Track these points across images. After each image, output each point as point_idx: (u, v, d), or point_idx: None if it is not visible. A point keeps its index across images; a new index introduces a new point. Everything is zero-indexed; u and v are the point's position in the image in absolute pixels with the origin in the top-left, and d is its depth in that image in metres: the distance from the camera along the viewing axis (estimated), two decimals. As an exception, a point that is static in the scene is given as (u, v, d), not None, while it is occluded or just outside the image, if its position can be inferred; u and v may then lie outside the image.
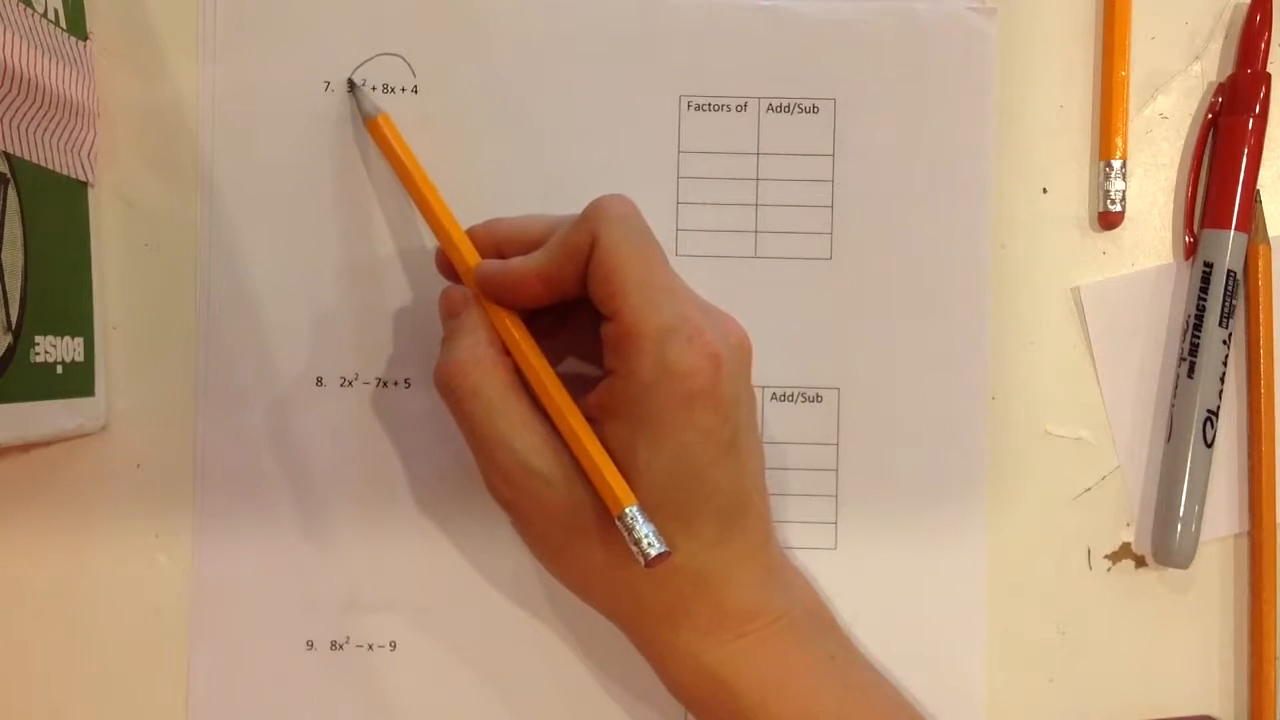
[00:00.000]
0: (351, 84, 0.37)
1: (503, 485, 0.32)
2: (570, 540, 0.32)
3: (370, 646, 0.38)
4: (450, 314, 0.34)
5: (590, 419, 0.31)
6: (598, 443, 0.31)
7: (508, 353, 0.33)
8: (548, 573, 0.34)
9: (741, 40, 0.38)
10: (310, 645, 0.38)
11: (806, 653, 0.32)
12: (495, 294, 0.33)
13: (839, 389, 0.38)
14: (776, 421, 0.38)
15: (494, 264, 0.33)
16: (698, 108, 0.38)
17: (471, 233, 0.34)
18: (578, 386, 0.32)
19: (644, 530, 0.29)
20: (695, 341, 0.30)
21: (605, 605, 0.33)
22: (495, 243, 0.34)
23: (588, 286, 0.31)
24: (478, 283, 0.33)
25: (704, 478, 0.30)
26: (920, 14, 0.38)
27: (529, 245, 0.33)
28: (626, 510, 0.30)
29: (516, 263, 0.32)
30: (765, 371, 0.38)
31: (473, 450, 0.32)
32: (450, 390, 0.32)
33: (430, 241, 0.37)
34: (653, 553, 0.29)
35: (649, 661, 0.33)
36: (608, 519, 0.30)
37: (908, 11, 0.38)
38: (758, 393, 0.38)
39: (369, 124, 0.36)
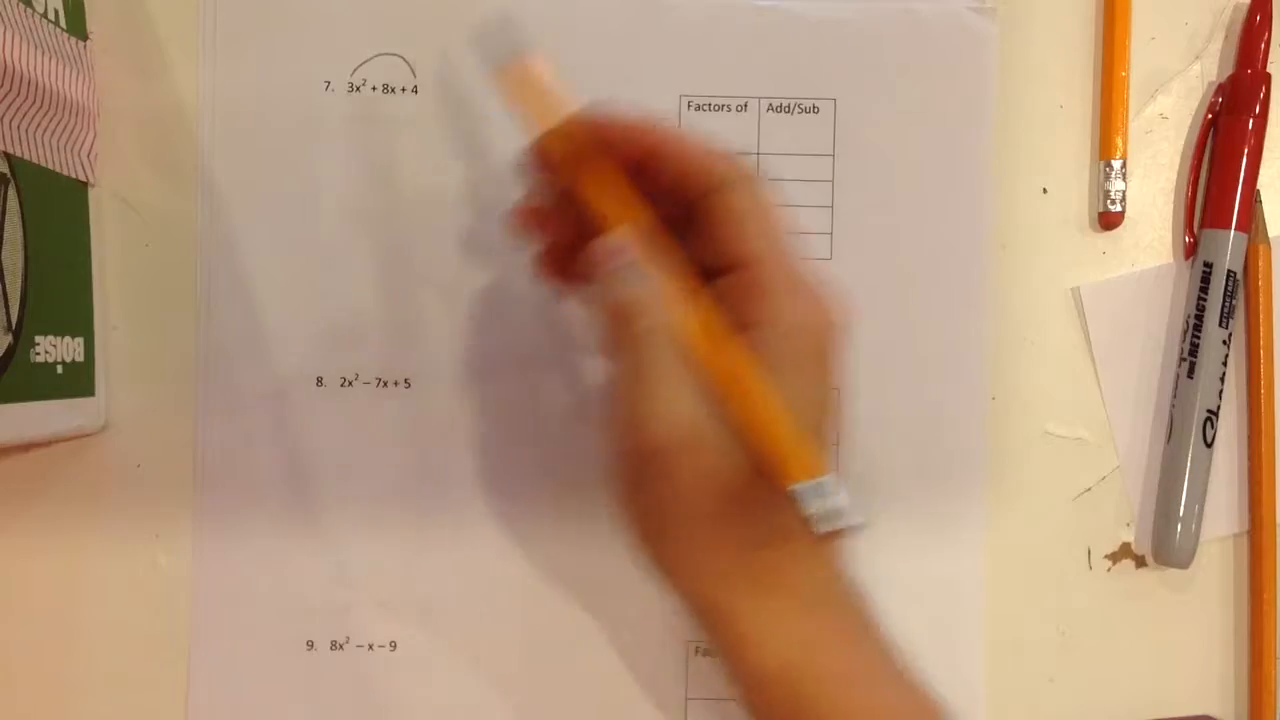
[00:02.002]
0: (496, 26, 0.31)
1: (657, 426, 0.29)
2: (718, 506, 0.29)
3: (370, 646, 0.38)
4: (612, 255, 0.31)
5: None
6: (778, 401, 0.29)
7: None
8: (633, 540, 0.31)
9: (742, 40, 0.38)
10: (310, 645, 0.38)
11: (868, 634, 0.32)
12: (607, 133, 0.31)
13: (838, 388, 0.38)
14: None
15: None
16: (698, 108, 0.38)
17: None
18: None
19: (838, 500, 0.27)
20: (822, 298, 0.30)
21: (686, 591, 0.31)
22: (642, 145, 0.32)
23: (713, 229, 0.30)
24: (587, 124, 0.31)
25: (823, 430, 0.30)
26: (920, 14, 0.38)
27: (682, 172, 0.31)
28: (826, 478, 0.27)
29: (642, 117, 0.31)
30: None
31: (628, 391, 0.30)
32: (637, 319, 0.29)
33: (431, 244, 0.37)
34: (854, 521, 0.27)
35: (724, 642, 0.31)
36: (763, 487, 0.29)
37: (908, 11, 0.38)
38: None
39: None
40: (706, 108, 0.38)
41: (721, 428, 0.29)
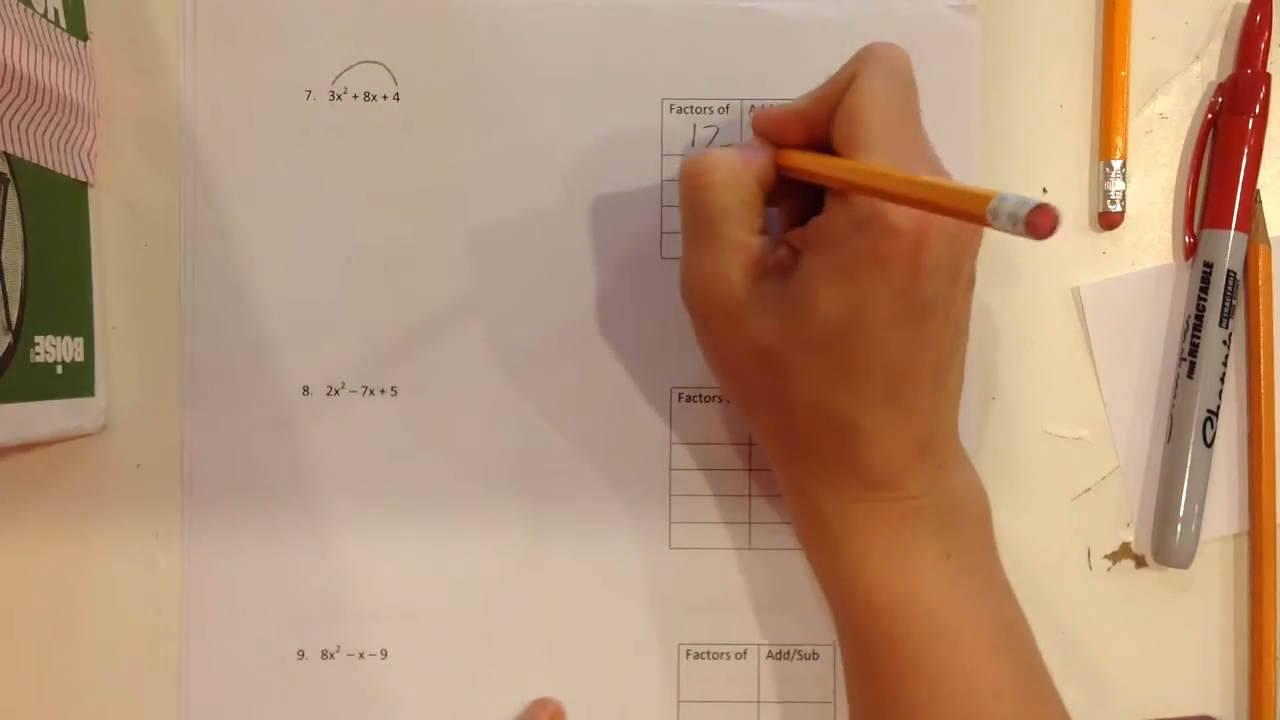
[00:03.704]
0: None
1: (695, 286, 0.32)
2: (740, 359, 0.32)
3: (361, 655, 0.38)
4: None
5: (790, 247, 0.32)
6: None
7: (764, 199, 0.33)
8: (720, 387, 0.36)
9: (722, 42, 0.38)
10: (301, 655, 0.37)
11: (922, 539, 0.32)
12: (762, 128, 0.33)
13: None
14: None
15: (767, 108, 0.33)
16: (680, 110, 0.38)
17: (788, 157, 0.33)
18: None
19: (1015, 199, 0.23)
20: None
21: (758, 426, 0.34)
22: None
23: (834, 124, 0.31)
24: (753, 120, 0.33)
25: (877, 335, 0.29)
26: (900, 13, 0.38)
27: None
28: (996, 199, 0.24)
29: (786, 103, 0.33)
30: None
31: (684, 245, 0.33)
32: (695, 178, 0.32)
33: (416, 252, 0.37)
34: (1033, 203, 0.23)
35: (780, 488, 0.34)
36: (775, 348, 0.31)
37: (888, 10, 0.38)
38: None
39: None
40: (689, 109, 0.38)
41: (752, 286, 0.31)
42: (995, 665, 0.31)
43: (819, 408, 0.31)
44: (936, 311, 0.30)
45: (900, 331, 0.30)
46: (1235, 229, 0.38)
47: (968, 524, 0.33)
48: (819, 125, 0.32)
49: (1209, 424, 0.38)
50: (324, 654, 0.38)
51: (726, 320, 0.32)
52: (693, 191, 0.32)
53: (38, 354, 0.33)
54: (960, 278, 0.31)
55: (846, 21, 0.38)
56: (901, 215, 0.29)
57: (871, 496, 0.31)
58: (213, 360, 0.37)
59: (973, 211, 0.25)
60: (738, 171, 0.32)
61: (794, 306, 0.30)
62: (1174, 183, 0.39)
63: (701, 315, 0.33)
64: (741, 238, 0.31)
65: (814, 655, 0.38)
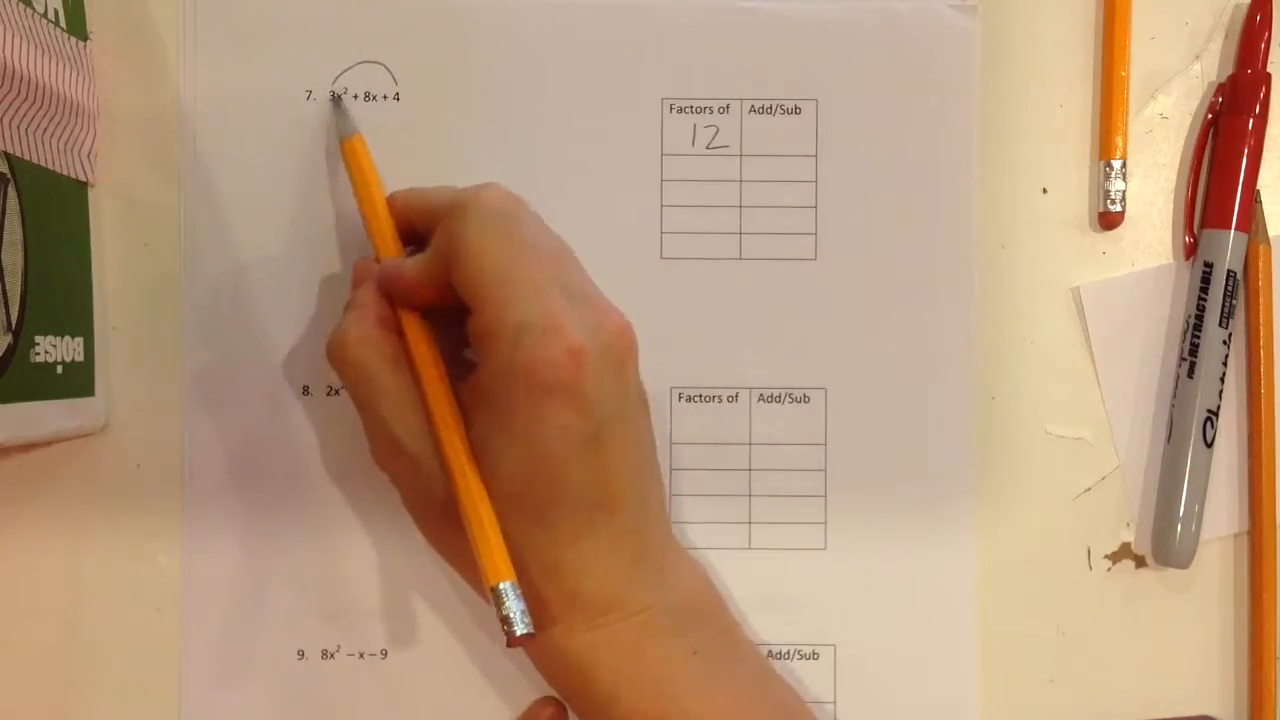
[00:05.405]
0: (335, 98, 0.37)
1: (381, 456, 0.33)
2: (439, 519, 0.32)
3: (361, 655, 0.38)
4: (354, 285, 0.34)
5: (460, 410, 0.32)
6: (482, 490, 0.30)
7: (402, 331, 0.33)
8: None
9: (723, 42, 0.38)
10: (301, 655, 0.37)
11: (666, 646, 0.31)
12: (392, 296, 0.33)
13: (826, 389, 0.38)
14: (764, 422, 0.38)
15: (391, 263, 0.33)
16: (680, 110, 0.38)
17: (393, 199, 0.34)
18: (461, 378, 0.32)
19: (514, 608, 0.29)
20: (550, 335, 0.29)
21: (473, 583, 0.34)
22: (407, 213, 0.34)
23: (454, 278, 0.31)
24: (376, 281, 0.33)
25: (559, 473, 0.30)
26: (901, 13, 0.38)
27: (429, 217, 0.33)
28: (501, 585, 0.29)
29: (409, 265, 0.32)
30: (752, 373, 0.38)
31: (361, 420, 0.33)
32: (336, 361, 0.32)
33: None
34: (517, 632, 0.29)
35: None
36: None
37: (888, 10, 0.38)
38: (746, 394, 0.38)
39: (343, 143, 0.36)
40: (689, 109, 0.38)
41: (432, 448, 0.31)
42: None
43: (520, 554, 0.30)
44: (613, 434, 0.30)
45: (581, 466, 0.30)
46: (1235, 229, 0.38)
47: (705, 617, 0.33)
48: (444, 284, 0.31)
49: (1209, 424, 0.38)
50: (324, 654, 0.37)
51: (418, 486, 0.32)
52: (343, 375, 0.32)
53: (38, 354, 0.33)
54: (629, 394, 0.31)
55: (846, 21, 0.38)
56: (542, 351, 0.29)
57: (601, 623, 0.31)
58: (213, 360, 0.37)
59: (485, 575, 0.30)
60: (374, 340, 0.32)
61: (477, 462, 0.31)
62: (1174, 183, 0.39)
63: (398, 483, 0.33)
64: (405, 400, 0.31)
65: (814, 655, 0.38)
